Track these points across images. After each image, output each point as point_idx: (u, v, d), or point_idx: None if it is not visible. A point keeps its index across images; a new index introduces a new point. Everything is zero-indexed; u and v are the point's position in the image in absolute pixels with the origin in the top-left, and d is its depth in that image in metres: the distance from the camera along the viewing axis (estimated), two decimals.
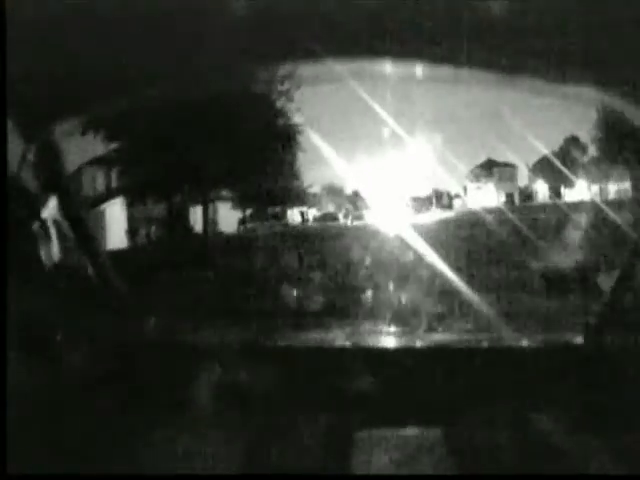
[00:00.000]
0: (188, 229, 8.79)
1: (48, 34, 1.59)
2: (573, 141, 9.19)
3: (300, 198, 9.73)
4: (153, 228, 8.95)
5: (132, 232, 8.38)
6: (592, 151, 8.88)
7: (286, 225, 9.81)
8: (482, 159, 9.69)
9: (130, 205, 8.29)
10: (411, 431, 2.26)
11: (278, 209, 9.93)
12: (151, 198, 8.62)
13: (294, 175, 9.73)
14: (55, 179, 2.29)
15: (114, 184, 8.22)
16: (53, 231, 2.59)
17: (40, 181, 2.25)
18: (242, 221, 9.70)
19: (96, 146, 7.46)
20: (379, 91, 2.38)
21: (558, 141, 8.52)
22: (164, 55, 1.71)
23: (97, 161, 7.65)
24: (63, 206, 2.41)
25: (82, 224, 2.41)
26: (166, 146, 7.65)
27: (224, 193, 10.41)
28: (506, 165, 10.51)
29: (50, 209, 2.54)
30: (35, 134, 2.06)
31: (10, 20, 1.50)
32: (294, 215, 9.99)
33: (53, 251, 2.62)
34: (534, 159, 9.73)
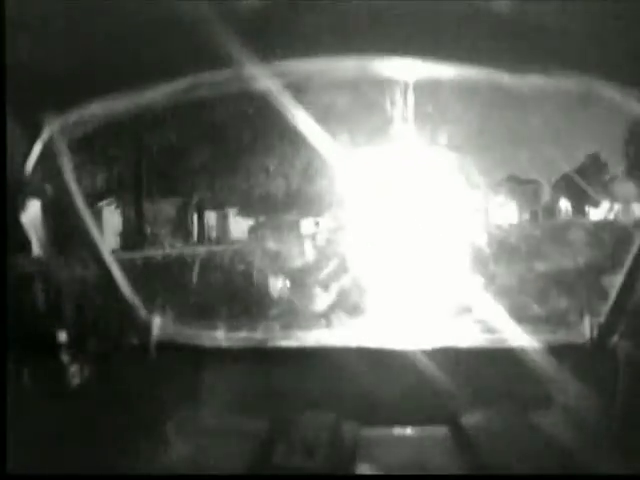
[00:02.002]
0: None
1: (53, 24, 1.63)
2: (594, 159, 7.55)
3: (315, 206, 8.78)
4: (149, 230, 9.09)
5: (126, 234, 8.61)
6: (616, 169, 7.03)
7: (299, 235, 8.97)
8: (504, 175, 8.06)
9: (125, 206, 8.47)
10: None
11: (294, 217, 9.09)
12: (145, 199, 8.72)
13: (307, 180, 8.82)
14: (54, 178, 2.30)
15: (111, 184, 8.49)
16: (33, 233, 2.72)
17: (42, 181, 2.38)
18: (253, 229, 9.08)
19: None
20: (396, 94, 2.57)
21: (580, 158, 7.14)
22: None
23: (91, 160, 7.98)
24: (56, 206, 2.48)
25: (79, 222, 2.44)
26: (160, 146, 7.64)
27: (233, 198, 10.00)
28: (529, 182, 8.70)
29: (30, 214, 2.67)
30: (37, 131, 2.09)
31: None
32: (308, 224, 9.03)
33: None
34: (556, 176, 7.86)
